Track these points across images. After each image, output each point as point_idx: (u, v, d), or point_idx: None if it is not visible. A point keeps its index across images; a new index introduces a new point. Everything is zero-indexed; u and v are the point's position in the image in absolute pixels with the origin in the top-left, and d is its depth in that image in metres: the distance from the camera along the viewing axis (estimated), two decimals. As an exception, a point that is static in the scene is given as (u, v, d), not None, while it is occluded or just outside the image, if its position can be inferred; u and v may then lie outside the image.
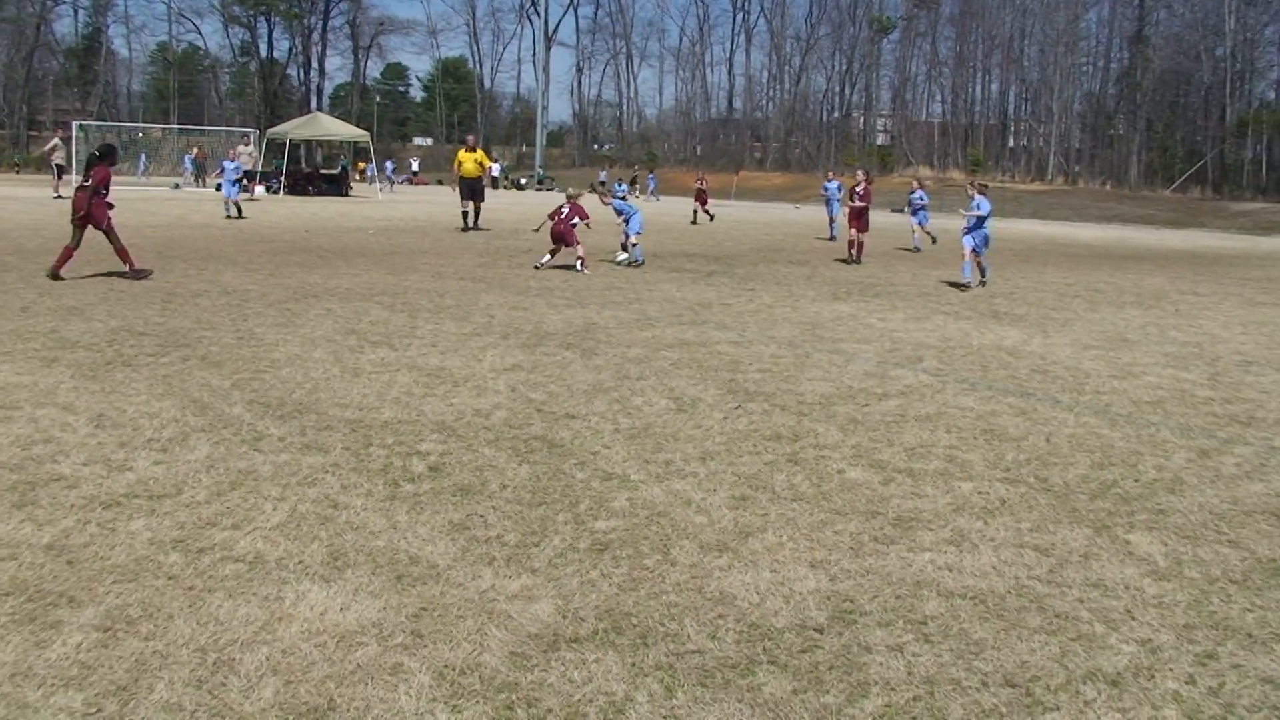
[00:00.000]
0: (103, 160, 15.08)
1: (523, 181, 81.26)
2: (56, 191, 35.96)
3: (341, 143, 63.62)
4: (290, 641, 4.02)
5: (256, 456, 6.35)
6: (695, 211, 36.36)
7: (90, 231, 14.60)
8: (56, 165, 38.40)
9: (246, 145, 44.70)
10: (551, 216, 18.59)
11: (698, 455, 6.73)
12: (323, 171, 54.37)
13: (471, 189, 28.05)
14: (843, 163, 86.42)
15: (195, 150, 62.41)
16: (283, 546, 4.96)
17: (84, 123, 59.99)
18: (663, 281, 16.99)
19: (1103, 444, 7.47)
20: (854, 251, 22.33)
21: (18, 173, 69.86)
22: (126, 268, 14.71)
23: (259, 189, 45.65)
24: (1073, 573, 5.01)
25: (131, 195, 38.45)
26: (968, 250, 17.63)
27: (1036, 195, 68.30)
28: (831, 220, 30.62)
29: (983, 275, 18.16)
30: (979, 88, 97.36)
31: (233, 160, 31.06)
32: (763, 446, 7.00)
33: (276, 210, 34.13)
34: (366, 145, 56.50)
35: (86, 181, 14.82)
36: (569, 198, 19.28)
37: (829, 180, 32.13)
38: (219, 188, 33.58)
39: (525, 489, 5.94)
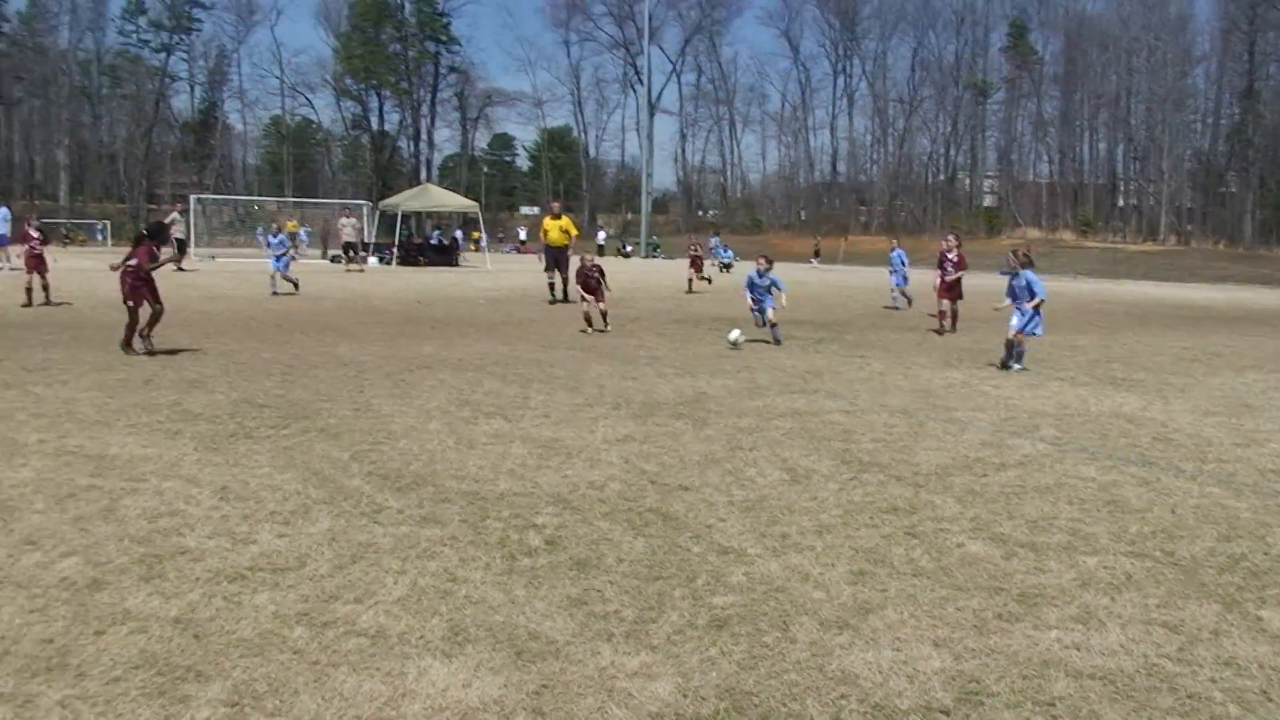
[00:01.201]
0: (151, 239, 14.74)
1: (629, 248, 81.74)
2: (177, 265, 36.95)
3: (451, 213, 64.71)
4: (414, 719, 4.05)
5: (376, 529, 6.43)
6: (690, 280, 33.84)
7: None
8: (177, 239, 39.47)
9: (349, 217, 45.54)
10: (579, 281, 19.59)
11: (814, 528, 6.68)
12: (433, 242, 55.25)
13: (556, 258, 26.72)
14: (948, 225, 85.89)
15: (274, 224, 64.14)
16: (404, 621, 5.00)
17: (201, 196, 61.65)
18: (771, 349, 16.96)
19: (1229, 515, 7.27)
20: (945, 321, 20.80)
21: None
22: (121, 337, 14.41)
23: (372, 260, 46.58)
24: (1203, 651, 4.87)
25: (250, 267, 39.46)
26: (1012, 329, 14.88)
27: (1148, 256, 67.28)
28: (894, 291, 27.95)
29: (1017, 359, 15.05)
30: (1086, 147, 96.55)
31: (277, 234, 29.55)
32: (880, 519, 6.93)
33: (389, 281, 34.75)
34: (476, 215, 57.33)
35: (130, 261, 14.23)
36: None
37: (894, 249, 28.98)
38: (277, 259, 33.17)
39: (641, 563, 5.93)
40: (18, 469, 7.71)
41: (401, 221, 50.94)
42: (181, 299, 23.20)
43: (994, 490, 7.82)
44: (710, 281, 34.62)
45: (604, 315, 19.59)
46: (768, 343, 17.15)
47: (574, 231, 27.49)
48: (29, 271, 21.88)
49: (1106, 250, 69.01)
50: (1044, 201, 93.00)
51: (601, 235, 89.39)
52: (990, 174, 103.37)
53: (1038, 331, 15.01)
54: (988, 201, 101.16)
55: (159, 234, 15.29)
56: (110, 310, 20.54)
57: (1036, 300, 14.62)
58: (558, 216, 27.26)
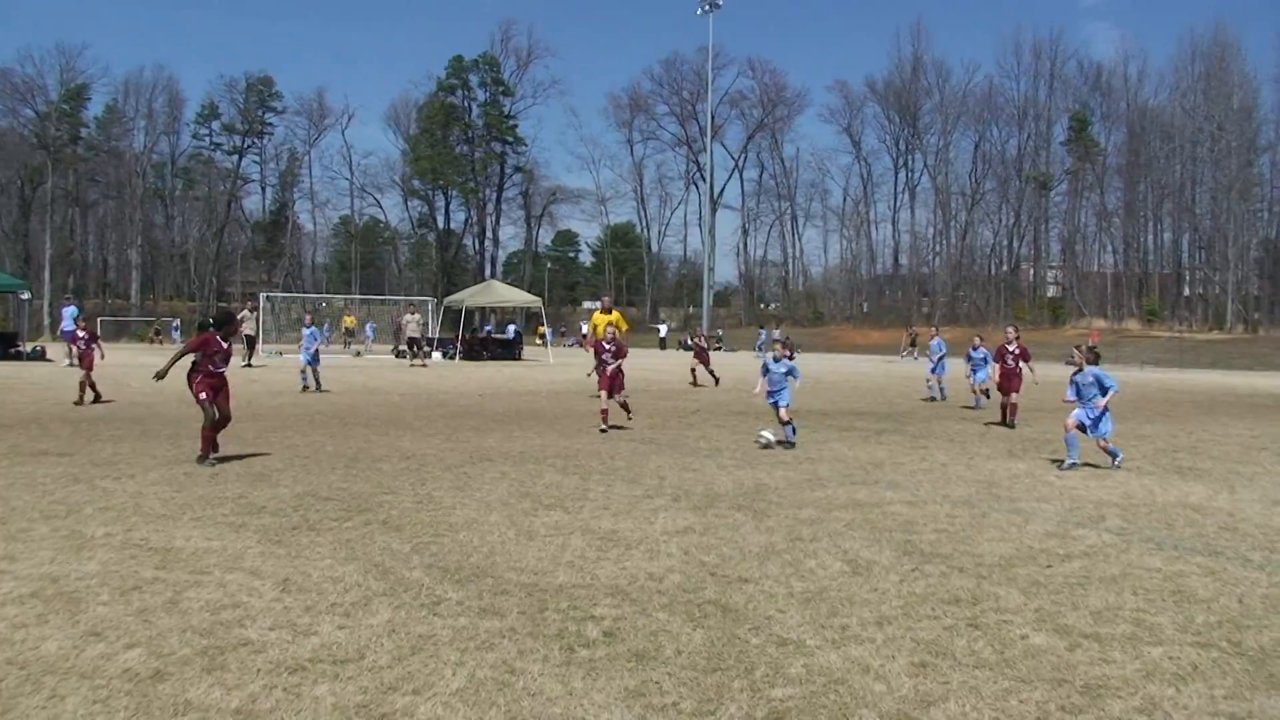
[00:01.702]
0: (214, 328, 13.73)
1: (690, 342, 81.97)
2: (246, 360, 37.60)
3: (514, 308, 65.34)
4: (470, 811, 4.04)
5: (436, 621, 6.44)
6: (694, 370, 32.56)
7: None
8: (247, 336, 40.13)
9: (414, 313, 46.12)
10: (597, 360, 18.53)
11: (874, 620, 6.62)
12: (495, 336, 55.77)
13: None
14: (1012, 316, 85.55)
15: (309, 317, 65.26)
16: (462, 713, 5.00)
17: (271, 294, 62.66)
18: (832, 440, 16.90)
19: (1301, 606, 7.13)
20: (1007, 415, 20.25)
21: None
22: (199, 447, 13.29)
23: (435, 354, 47.05)
24: (1276, 745, 4.77)
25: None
26: (1072, 421, 14.19)
27: (1215, 344, 66.48)
28: (929, 380, 27.74)
29: (1112, 458, 14.25)
30: (1151, 236, 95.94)
31: (309, 327, 27.93)
32: (942, 610, 6.86)
33: (452, 375, 35.04)
34: (539, 310, 57.83)
35: (215, 360, 13.40)
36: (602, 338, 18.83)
37: (934, 337, 28.57)
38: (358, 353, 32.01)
39: (700, 654, 5.90)
40: (85, 562, 7.81)
41: (465, 317, 51.44)
42: (250, 394, 23.53)
43: (1058, 581, 7.72)
44: (717, 381, 32.30)
45: (623, 407, 18.63)
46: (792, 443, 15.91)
47: (624, 326, 25.65)
48: (85, 368, 22.21)
49: (1172, 339, 68.27)
50: (1109, 291, 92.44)
51: (663, 329, 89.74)
52: (1054, 265, 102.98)
53: (1107, 432, 14.14)
54: (1051, 292, 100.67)
55: (224, 324, 14.02)
56: (178, 404, 20.86)
57: (1110, 395, 13.98)
58: (608, 311, 26.13)
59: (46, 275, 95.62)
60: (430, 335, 50.91)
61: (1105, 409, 14.02)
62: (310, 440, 15.52)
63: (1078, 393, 14.32)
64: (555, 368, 42.39)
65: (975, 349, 25.21)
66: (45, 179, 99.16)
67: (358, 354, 52.41)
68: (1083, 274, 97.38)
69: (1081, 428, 14.08)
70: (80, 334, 22.82)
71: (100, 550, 8.20)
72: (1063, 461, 14.11)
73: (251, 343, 39.68)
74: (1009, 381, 20.48)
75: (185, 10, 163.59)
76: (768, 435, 15.91)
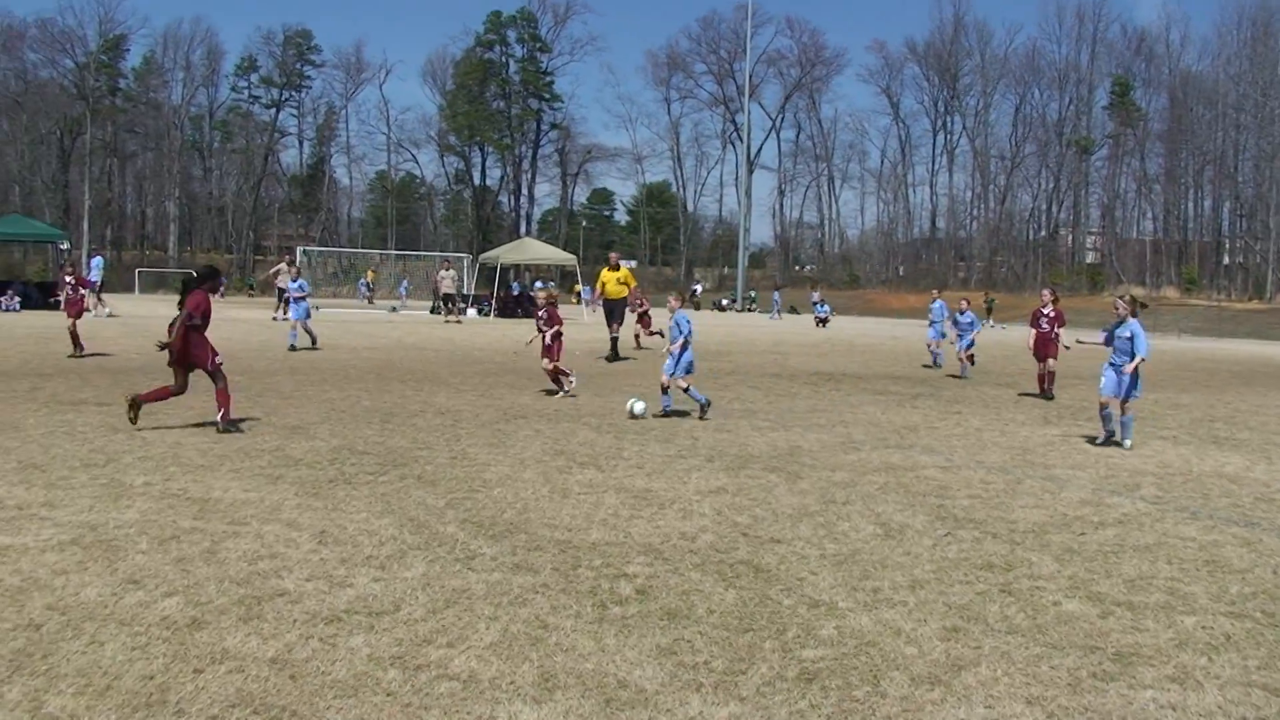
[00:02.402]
0: (200, 284, 12.39)
1: (724, 303, 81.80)
2: (277, 314, 37.81)
3: (549, 266, 65.35)
4: (503, 763, 4.08)
5: (470, 575, 6.49)
6: (637, 337, 30.00)
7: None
8: (280, 289, 40.29)
9: (448, 269, 46.13)
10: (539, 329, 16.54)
11: (907, 584, 6.63)
12: (515, 293, 55.79)
13: (611, 311, 25.08)
14: (1049, 281, 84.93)
15: (369, 273, 65.51)
16: (495, 666, 5.04)
17: (307, 248, 62.91)
18: (867, 404, 16.86)
19: (1338, 579, 7.10)
20: (1045, 384, 19.21)
21: (251, 295, 73.73)
22: (219, 415, 12.02)
23: (471, 311, 47.11)
24: (1309, 717, 4.76)
25: (353, 318, 40.15)
26: (1108, 395, 13.03)
27: (1254, 314, 65.90)
28: (930, 344, 26.11)
29: (1124, 433, 13.14)
30: (1191, 204, 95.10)
31: (296, 279, 26.38)
32: (974, 576, 6.86)
33: (487, 332, 35.11)
34: (574, 268, 57.81)
35: (179, 313, 12.07)
36: (545, 301, 17.19)
37: (935, 299, 26.43)
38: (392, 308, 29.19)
39: (732, 614, 5.93)
40: (124, 510, 7.90)
41: (500, 274, 51.48)
42: (281, 351, 23.64)
43: (1092, 549, 7.71)
44: (662, 335, 28.46)
45: (553, 376, 16.84)
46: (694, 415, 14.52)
47: (632, 283, 25.85)
48: (71, 315, 21.19)
49: (1211, 308, 67.75)
50: (1148, 259, 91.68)
51: (698, 288, 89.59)
52: (1093, 231, 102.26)
53: (1136, 393, 13.01)
54: (1090, 258, 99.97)
55: (209, 278, 12.71)
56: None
57: (1137, 360, 12.76)
58: (615, 268, 25.49)
59: (85, 226, 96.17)
60: (465, 292, 50.99)
61: (1135, 371, 12.83)
62: (346, 394, 15.60)
63: (1110, 341, 13.36)
64: (590, 326, 42.41)
65: (962, 313, 23.77)
66: (84, 130, 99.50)
67: (394, 309, 52.50)
68: (1121, 241, 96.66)
69: (1120, 399, 12.90)
70: (67, 279, 21.56)
71: (139, 499, 8.29)
72: (1096, 438, 13.27)
73: (283, 295, 39.79)
74: (1044, 348, 19.14)
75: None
76: (640, 406, 14.24)
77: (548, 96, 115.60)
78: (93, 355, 20.50)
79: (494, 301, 49.66)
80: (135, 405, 11.94)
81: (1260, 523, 8.86)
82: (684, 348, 14.30)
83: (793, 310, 73.47)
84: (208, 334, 12.34)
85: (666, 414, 14.38)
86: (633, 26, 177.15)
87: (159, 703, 4.52)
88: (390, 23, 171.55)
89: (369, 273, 68.65)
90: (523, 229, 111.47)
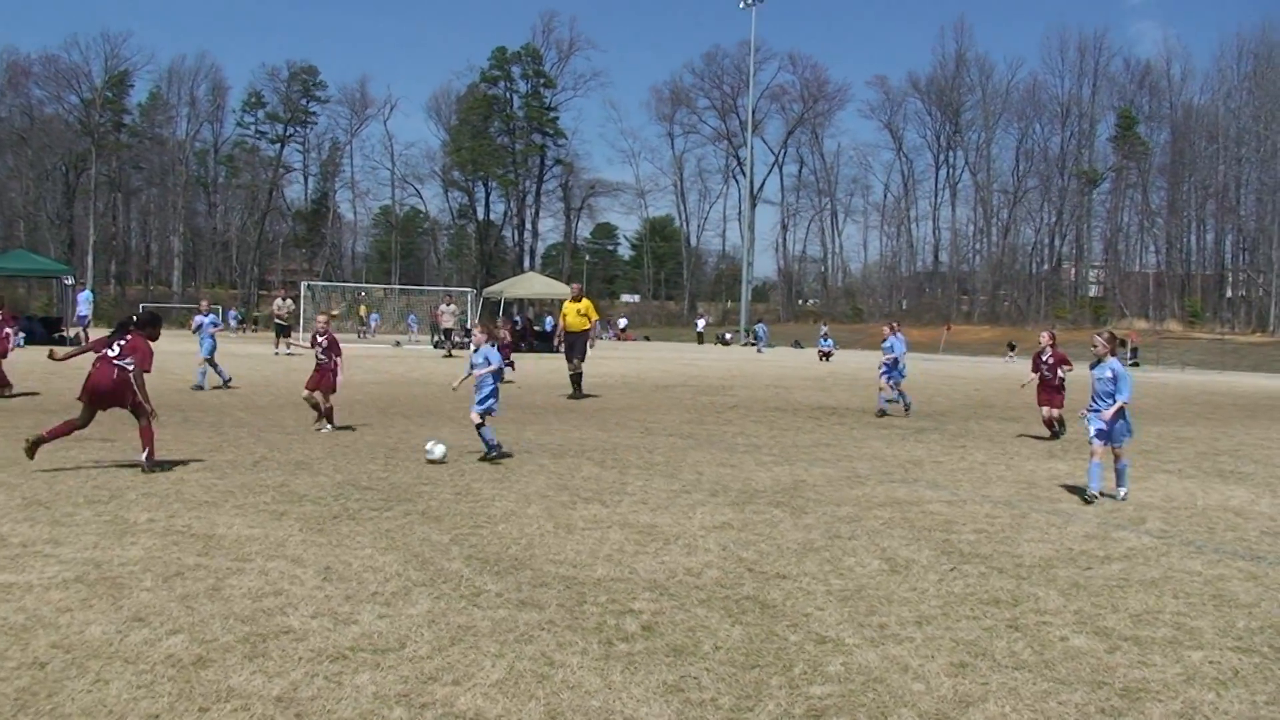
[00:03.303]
0: (141, 329, 11.95)
1: (728, 337, 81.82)
2: (277, 348, 37.96)
3: (552, 300, 65.48)
4: (509, 802, 4.06)
5: (475, 612, 6.48)
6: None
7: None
8: (279, 324, 40.42)
9: (450, 304, 46.16)
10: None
11: (913, 619, 6.61)
12: (535, 328, 55.90)
13: (572, 345, 23.58)
14: (1053, 315, 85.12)
15: (362, 308, 65.74)
16: (501, 704, 5.02)
17: (311, 282, 63.06)
18: (871, 438, 16.85)
19: (1346, 614, 7.07)
20: (1054, 429, 17.69)
21: (254, 330, 73.81)
22: (144, 455, 11.60)
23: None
24: (1319, 753, 4.74)
25: (356, 353, 40.18)
26: (1096, 443, 11.61)
27: (1257, 347, 65.79)
28: (882, 389, 21.61)
29: (1119, 480, 11.74)
30: (1194, 237, 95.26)
31: (206, 313, 24.45)
32: (981, 611, 6.84)
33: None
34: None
35: (111, 351, 11.58)
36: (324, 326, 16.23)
37: (891, 334, 21.93)
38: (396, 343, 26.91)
39: (738, 651, 5.91)
40: (128, 547, 7.89)
41: (504, 308, 51.55)
42: (290, 383, 23.65)
43: (1098, 583, 7.69)
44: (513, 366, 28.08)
45: (323, 411, 15.73)
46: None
47: (594, 316, 24.18)
48: None
49: (1214, 341, 67.67)
50: (1151, 292, 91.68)
51: (701, 323, 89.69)
52: (1096, 264, 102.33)
53: (1127, 437, 11.68)
54: (1093, 291, 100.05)
55: (150, 324, 12.28)
56: (220, 392, 21.01)
57: (1117, 405, 11.41)
58: (577, 299, 24.05)
59: (90, 261, 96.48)
60: (469, 326, 51.07)
61: (1120, 414, 11.50)
62: (350, 430, 15.59)
63: (1093, 391, 11.83)
64: (592, 360, 42.41)
65: (885, 340, 21.55)
66: (89, 165, 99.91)
67: (397, 344, 52.57)
68: (1125, 274, 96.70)
69: (1102, 436, 11.52)
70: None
71: (143, 536, 8.28)
72: (1085, 490, 11.61)
73: (286, 330, 39.93)
74: (1049, 396, 17.80)
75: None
76: (440, 450, 12.88)
77: (551, 131, 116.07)
78: (21, 395, 20.10)
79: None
80: (36, 445, 11.53)
81: (1266, 556, 8.83)
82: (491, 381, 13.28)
83: (797, 344, 73.50)
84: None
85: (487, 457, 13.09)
86: (636, 62, 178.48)
87: (164, 741, 4.50)
88: (395, 58, 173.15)
89: (361, 308, 68.92)
90: (526, 263, 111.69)
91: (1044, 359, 18.04)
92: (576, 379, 23.46)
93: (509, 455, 13.28)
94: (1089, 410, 11.82)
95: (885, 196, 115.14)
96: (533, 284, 56.60)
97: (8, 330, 20.66)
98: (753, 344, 70.68)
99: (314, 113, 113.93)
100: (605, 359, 43.62)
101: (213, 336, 23.11)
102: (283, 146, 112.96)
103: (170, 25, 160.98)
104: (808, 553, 8.43)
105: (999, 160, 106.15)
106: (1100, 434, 11.51)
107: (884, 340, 21.65)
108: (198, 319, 24.45)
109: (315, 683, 5.23)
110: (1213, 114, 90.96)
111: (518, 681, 5.33)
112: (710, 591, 7.14)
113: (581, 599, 6.85)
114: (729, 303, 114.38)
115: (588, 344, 24.16)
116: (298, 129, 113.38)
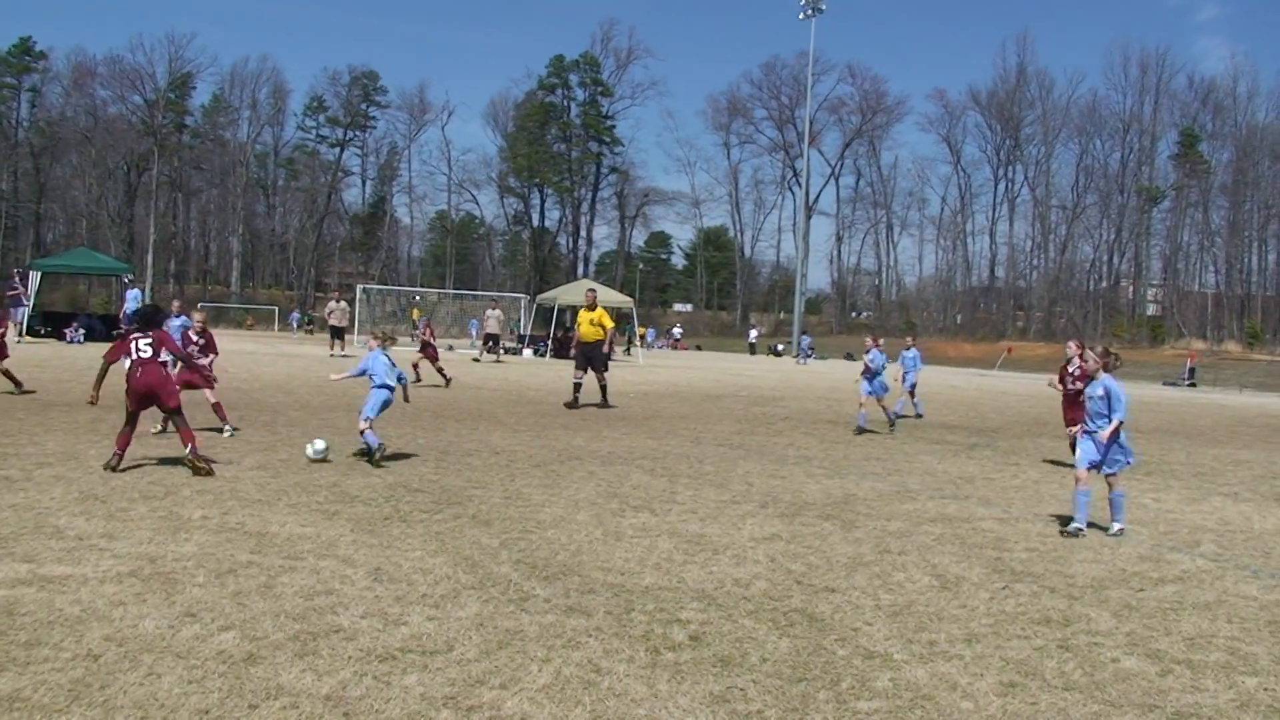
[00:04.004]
0: (154, 326, 12.04)
1: (780, 348, 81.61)
2: (333, 351, 38.22)
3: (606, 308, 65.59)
4: (554, 808, 4.07)
5: (523, 617, 6.49)
6: (416, 365, 26.67)
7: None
8: (333, 327, 40.66)
9: (495, 308, 46.18)
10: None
11: (963, 637, 6.56)
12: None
13: (588, 356, 22.57)
14: (1110, 334, 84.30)
15: (414, 311, 65.91)
16: (548, 709, 5.03)
17: (366, 286, 63.47)
18: (923, 454, 16.76)
19: (1405, 643, 6.95)
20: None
21: (310, 333, 74.32)
22: (188, 449, 11.35)
23: (526, 351, 47.30)
24: (1376, 784, 4.66)
25: (410, 355, 40.38)
26: (1081, 468, 10.55)
27: (1321, 370, 64.90)
28: (862, 405, 20.40)
29: (1114, 513, 10.62)
30: (1255, 258, 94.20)
31: (178, 315, 21.57)
32: (1032, 630, 6.78)
33: (543, 373, 35.21)
34: (630, 310, 57.96)
35: (144, 352, 11.54)
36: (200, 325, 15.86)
37: (871, 347, 21.04)
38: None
39: (786, 663, 5.89)
40: (182, 543, 7.97)
41: (558, 315, 51.67)
42: (343, 385, 23.78)
43: (1151, 605, 7.60)
44: (446, 380, 26.79)
45: (216, 409, 14.88)
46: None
47: (608, 324, 23.13)
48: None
49: (1274, 363, 66.83)
50: (1209, 312, 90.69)
51: (753, 334, 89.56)
52: (1154, 283, 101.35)
53: (1126, 462, 10.64)
54: (1151, 310, 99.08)
55: (154, 320, 12.32)
56: (276, 392, 21.17)
57: (1114, 425, 10.36)
58: (592, 307, 23.05)
59: (149, 260, 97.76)
60: (522, 333, 51.24)
61: (1116, 436, 10.42)
62: (402, 432, 15.67)
63: (1088, 413, 10.75)
64: (645, 369, 42.45)
65: (868, 350, 20.75)
66: (151, 165, 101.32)
67: (449, 348, 52.80)
68: (1183, 293, 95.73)
69: (1094, 467, 10.50)
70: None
71: (197, 532, 8.36)
72: (1069, 522, 10.55)
73: (340, 333, 40.18)
74: (1075, 414, 14.04)
75: (291, 3, 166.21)
76: (320, 446, 12.57)
77: (608, 140, 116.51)
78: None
79: (550, 342, 49.80)
80: (115, 465, 11.17)
81: (1325, 583, 8.70)
82: (386, 388, 12.93)
83: (849, 357, 73.23)
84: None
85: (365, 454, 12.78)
86: (694, 71, 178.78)
87: (213, 737, 4.54)
88: (454, 65, 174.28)
89: (414, 311, 69.21)
90: (580, 270, 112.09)
91: (1070, 371, 15.95)
92: (577, 388, 22.33)
93: (386, 455, 12.63)
94: (1083, 432, 10.78)
95: (942, 210, 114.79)
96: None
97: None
98: (809, 357, 70.59)
99: (373, 117, 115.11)
100: (656, 368, 43.64)
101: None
102: (342, 150, 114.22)
103: (234, 28, 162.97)
104: (857, 567, 8.40)
105: (1058, 176, 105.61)
106: (1090, 461, 10.47)
107: (866, 352, 20.85)
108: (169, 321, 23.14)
109: (364, 682, 5.26)
110: (1278, 132, 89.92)
111: (564, 687, 5.34)
112: (758, 603, 7.12)
113: (629, 607, 6.85)
114: (781, 314, 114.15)
115: (605, 352, 23.10)
116: (357, 133, 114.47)
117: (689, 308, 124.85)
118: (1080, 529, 10.32)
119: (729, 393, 29.30)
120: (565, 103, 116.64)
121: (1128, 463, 10.64)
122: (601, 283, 79.00)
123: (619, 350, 55.94)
